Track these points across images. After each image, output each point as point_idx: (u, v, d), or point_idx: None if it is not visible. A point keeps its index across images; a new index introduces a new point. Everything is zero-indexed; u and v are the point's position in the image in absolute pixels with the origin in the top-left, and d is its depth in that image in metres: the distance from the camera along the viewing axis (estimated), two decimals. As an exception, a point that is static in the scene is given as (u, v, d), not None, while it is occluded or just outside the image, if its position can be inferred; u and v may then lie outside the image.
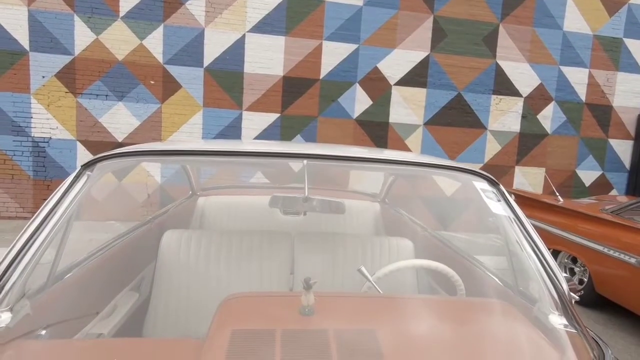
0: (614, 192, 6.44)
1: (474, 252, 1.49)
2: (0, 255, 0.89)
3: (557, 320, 0.94)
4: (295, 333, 0.80)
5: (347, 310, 0.91)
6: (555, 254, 3.72)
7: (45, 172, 5.18)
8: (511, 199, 1.19)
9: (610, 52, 6.14)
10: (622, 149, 6.42)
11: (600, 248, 3.08)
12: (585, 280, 3.35)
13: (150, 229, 1.84)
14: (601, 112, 6.27)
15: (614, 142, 6.39)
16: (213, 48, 5.30)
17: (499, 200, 1.17)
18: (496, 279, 1.31)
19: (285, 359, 0.69)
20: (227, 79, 5.37)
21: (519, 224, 1.15)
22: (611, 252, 2.97)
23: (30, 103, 5.05)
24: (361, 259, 1.58)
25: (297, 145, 1.34)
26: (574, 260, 3.56)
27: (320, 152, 1.13)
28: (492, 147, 6.07)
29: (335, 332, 0.80)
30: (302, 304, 0.86)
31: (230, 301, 0.90)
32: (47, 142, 5.14)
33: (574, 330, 0.91)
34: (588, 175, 6.38)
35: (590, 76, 6.14)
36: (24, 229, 0.97)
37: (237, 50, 5.34)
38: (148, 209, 5.30)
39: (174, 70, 5.27)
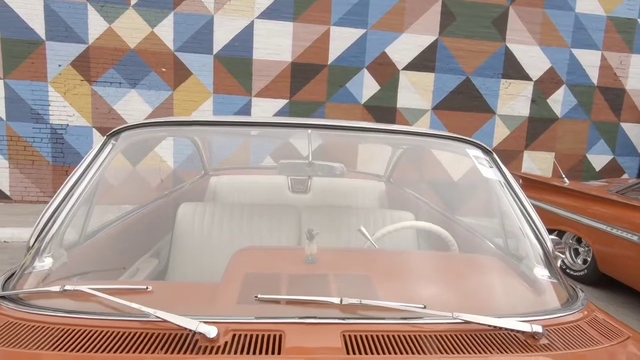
0: (625, 177, 6.38)
1: (472, 217, 1.57)
2: (23, 238, 1.00)
3: (540, 272, 1.02)
4: (299, 277, 0.90)
5: (346, 261, 1.01)
6: (560, 234, 3.76)
7: (63, 158, 5.38)
8: (503, 166, 1.27)
9: (624, 34, 6.01)
10: (635, 132, 6.33)
11: (604, 227, 3.12)
12: (589, 259, 3.40)
13: (166, 203, 1.96)
14: (613, 95, 6.17)
15: (627, 126, 6.30)
16: (222, 35, 5.37)
17: (491, 167, 1.25)
18: (489, 242, 1.39)
19: (291, 293, 0.80)
20: (236, 65, 5.45)
21: (510, 189, 1.22)
22: (614, 231, 3.01)
23: (48, 91, 5.22)
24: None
25: (303, 119, 1.44)
26: (579, 240, 3.60)
27: (322, 123, 1.22)
28: (500, 132, 6.05)
29: (334, 276, 0.90)
30: (306, 253, 0.96)
31: (242, 252, 1.01)
32: (65, 129, 5.33)
33: (555, 280, 0.99)
34: (599, 159, 6.32)
35: (603, 58, 6.04)
36: (59, 190, 1.09)
37: (245, 36, 5.41)
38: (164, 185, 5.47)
39: (185, 58, 5.37)
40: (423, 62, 5.72)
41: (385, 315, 0.73)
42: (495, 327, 0.70)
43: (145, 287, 0.77)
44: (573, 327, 0.77)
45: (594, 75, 6.07)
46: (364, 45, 5.59)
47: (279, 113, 5.59)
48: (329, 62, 5.58)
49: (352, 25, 5.52)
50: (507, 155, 6.10)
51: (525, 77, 5.95)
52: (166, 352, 0.61)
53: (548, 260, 1.04)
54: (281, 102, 5.59)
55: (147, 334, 0.65)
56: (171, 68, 5.38)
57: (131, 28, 5.22)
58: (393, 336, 0.68)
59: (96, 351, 0.61)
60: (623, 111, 6.25)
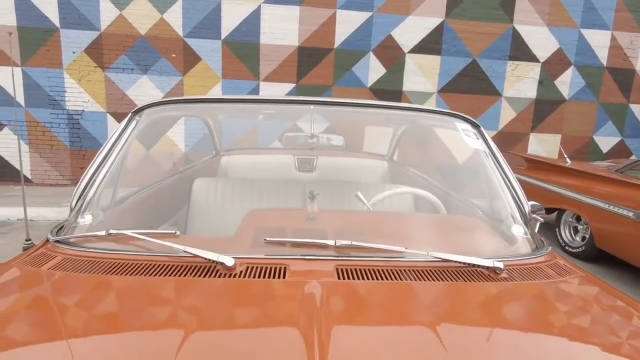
0: (632, 159, 6.37)
1: (462, 185, 1.69)
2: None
3: (516, 230, 1.16)
4: (301, 227, 1.05)
5: (343, 220, 1.16)
6: (560, 213, 3.86)
7: (80, 142, 5.60)
8: (489, 138, 1.39)
9: (635, 13, 5.91)
10: (644, 114, 6.29)
11: (601, 205, 3.21)
12: (587, 236, 3.50)
13: (182, 178, 2.12)
14: (623, 76, 6.12)
15: (636, 107, 6.25)
16: (230, 20, 5.45)
17: (477, 139, 1.37)
18: (477, 209, 1.52)
19: (296, 236, 0.94)
20: (244, 50, 5.55)
21: (494, 159, 1.34)
22: (611, 208, 3.10)
23: (64, 78, 5.40)
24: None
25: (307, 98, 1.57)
26: (578, 218, 3.70)
27: (323, 100, 1.35)
28: (506, 114, 6.07)
29: (332, 229, 1.05)
30: (308, 211, 1.11)
31: (253, 212, 1.16)
32: (81, 114, 5.53)
33: (528, 236, 1.13)
34: (606, 141, 6.31)
35: (613, 39, 5.96)
36: (93, 161, 1.25)
37: (252, 21, 5.48)
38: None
39: (194, 43, 5.48)
40: (429, 44, 5.74)
41: (372, 254, 0.87)
42: (463, 263, 0.84)
43: (174, 231, 0.93)
44: (533, 267, 0.91)
45: (603, 56, 6.01)
46: (369, 29, 5.62)
47: (286, 97, 5.70)
48: (335, 46, 5.64)
49: (358, 8, 5.55)
50: (513, 138, 6.14)
51: (533, 58, 5.93)
52: (194, 276, 0.77)
53: (524, 220, 1.17)
54: (288, 86, 5.69)
55: (177, 265, 0.81)
56: (181, 54, 5.50)
57: (141, 14, 5.34)
58: (378, 270, 0.82)
59: (139, 275, 0.77)
60: (633, 92, 6.20)
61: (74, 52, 5.35)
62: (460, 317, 0.72)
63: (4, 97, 5.31)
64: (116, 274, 0.78)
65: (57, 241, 0.93)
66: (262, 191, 1.85)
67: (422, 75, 5.86)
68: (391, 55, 5.74)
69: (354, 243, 0.86)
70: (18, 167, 5.55)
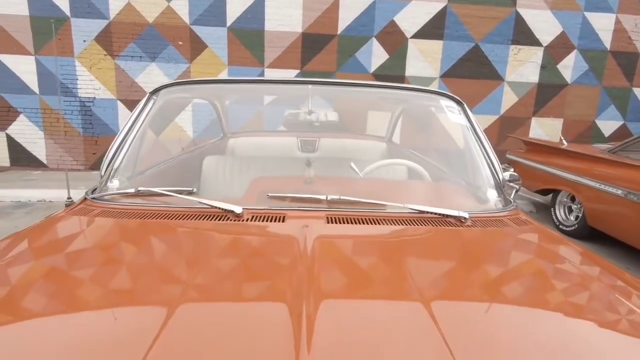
0: (634, 143, 6.41)
1: (447, 156, 1.83)
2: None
3: (489, 194, 1.31)
4: (299, 189, 1.22)
5: (335, 183, 1.32)
6: (556, 193, 3.98)
7: (92, 129, 5.81)
8: (471, 114, 1.53)
9: (640, -5, 5.88)
10: (647, 98, 6.30)
11: (594, 184, 3.33)
12: (580, 215, 3.63)
13: (192, 156, 2.30)
14: (627, 59, 6.12)
15: (639, 91, 6.27)
16: (235, 7, 5.55)
17: (459, 114, 1.51)
18: (460, 179, 1.67)
19: (298, 191, 1.11)
20: (249, 37, 5.66)
21: (474, 133, 1.49)
22: (603, 187, 3.22)
23: (75, 66, 5.58)
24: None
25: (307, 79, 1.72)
26: (573, 199, 3.82)
27: (321, 80, 1.50)
28: (508, 99, 6.14)
29: (325, 186, 1.21)
30: (305, 177, 1.28)
31: (259, 178, 1.33)
32: (92, 101, 5.72)
33: (499, 198, 1.28)
34: (608, 125, 6.35)
35: (617, 22, 5.95)
36: (118, 134, 1.42)
37: (257, 8, 5.58)
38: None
39: (200, 31, 5.60)
40: (431, 29, 5.79)
41: (358, 207, 1.03)
42: (433, 213, 1.00)
43: (192, 189, 1.10)
44: (495, 219, 1.06)
45: (606, 40, 6.01)
46: (372, 14, 5.69)
47: (290, 83, 5.82)
48: (339, 32, 5.72)
49: (361, -6, 5.60)
50: (515, 122, 6.21)
51: (536, 42, 5.95)
52: (208, 220, 0.94)
53: (496, 185, 1.32)
54: (292, 73, 5.80)
55: (195, 214, 0.98)
56: (187, 41, 5.63)
57: (149, 3, 5.46)
58: (362, 219, 0.98)
59: (164, 219, 0.95)
60: (636, 76, 6.20)
61: (84, 41, 5.52)
62: (426, 255, 0.88)
63: (19, 86, 5.52)
64: (146, 219, 0.95)
65: (94, 198, 1.11)
66: (267, 167, 2.02)
67: (424, 60, 5.93)
68: (394, 40, 5.81)
69: (342, 197, 1.03)
70: (34, 153, 5.80)
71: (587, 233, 3.57)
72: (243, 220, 0.94)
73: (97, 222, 0.96)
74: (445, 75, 5.97)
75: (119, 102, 5.75)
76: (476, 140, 1.46)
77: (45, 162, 5.84)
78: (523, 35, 5.91)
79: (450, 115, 1.51)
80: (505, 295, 0.74)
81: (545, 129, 6.27)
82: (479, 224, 1.01)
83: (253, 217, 0.97)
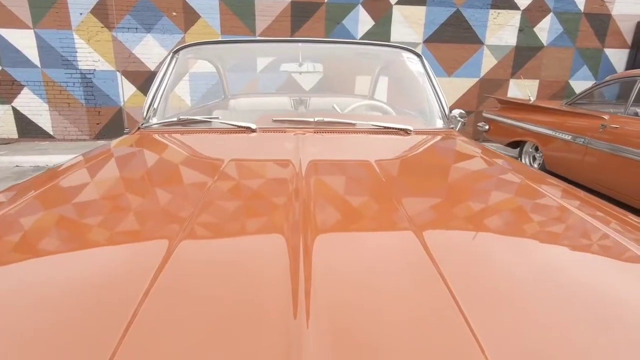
0: (605, 101, 6.87)
1: (409, 99, 2.26)
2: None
3: (436, 120, 1.76)
4: (296, 116, 1.65)
5: (323, 114, 1.75)
6: (522, 144, 4.47)
7: (94, 100, 6.10)
8: (427, 64, 1.94)
9: (613, -42, 6.15)
10: (617, 58, 6.70)
11: (550, 132, 3.80)
12: (541, 162, 4.13)
13: (200, 111, 2.70)
14: (599, 21, 6.47)
15: (610, 52, 6.66)
16: (225, -23, 5.74)
17: (418, 64, 1.93)
18: (417, 114, 2.11)
19: (295, 117, 1.54)
20: (240, 7, 5.89)
21: (429, 80, 1.91)
22: (557, 134, 3.70)
23: (74, 38, 5.79)
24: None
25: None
26: (537, 149, 4.31)
27: (307, 39, 1.90)
28: (488, 62, 6.50)
29: (315, 114, 1.65)
30: (299, 111, 1.70)
31: (265, 113, 1.76)
32: (93, 73, 5.98)
33: (445, 126, 1.73)
34: (581, 85, 6.77)
35: (591, -16, 6.25)
36: (153, 83, 1.82)
37: (247, -23, 5.77)
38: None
39: (193, 1, 5.81)
40: (415, -5, 6.05)
41: (337, 126, 1.48)
42: (388, 127, 1.45)
43: (217, 117, 1.53)
44: (431, 132, 1.51)
45: (580, 2, 6.33)
46: (358, -19, 5.91)
47: (281, 51, 6.11)
48: (326, 0, 5.96)
49: (346, -39, 5.80)
50: (494, 84, 6.60)
51: (514, 6, 6.26)
52: (231, 134, 1.39)
53: (442, 116, 1.77)
54: (283, 41, 6.07)
55: (220, 130, 1.42)
56: (181, 12, 5.85)
57: (141, -26, 5.62)
58: (339, 131, 1.43)
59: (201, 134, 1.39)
60: (608, 37, 6.57)
61: (81, 14, 5.71)
62: (380, 152, 1.33)
63: (21, 59, 5.75)
64: (188, 135, 1.39)
65: (146, 127, 1.54)
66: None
67: (409, 26, 6.23)
68: (379, 7, 6.07)
69: (325, 119, 1.47)
70: (40, 124, 6.11)
71: (547, 177, 4.08)
72: (255, 132, 1.39)
73: (154, 140, 1.39)
74: (428, 41, 6.29)
75: (118, 74, 6.02)
76: (430, 84, 1.89)
77: (51, 133, 6.15)
78: (502, -1, 6.20)
79: (411, 65, 1.93)
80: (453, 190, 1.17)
81: (522, 90, 6.68)
82: (418, 134, 1.46)
83: (264, 131, 1.41)
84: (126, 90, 6.02)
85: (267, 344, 0.41)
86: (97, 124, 6.20)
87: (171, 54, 1.92)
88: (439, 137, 1.46)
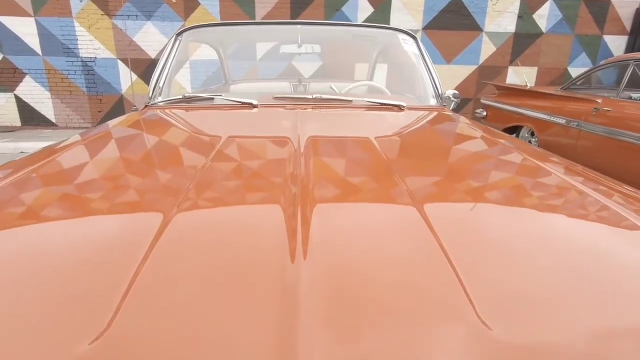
0: (603, 88, 6.90)
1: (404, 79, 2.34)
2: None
3: (429, 99, 1.84)
4: (296, 94, 1.73)
5: (320, 92, 1.83)
6: (519, 130, 4.54)
7: (96, 87, 6.15)
8: (422, 46, 2.01)
9: (614, -57, 6.13)
10: (616, 44, 6.72)
11: (545, 117, 3.87)
12: (536, 146, 4.21)
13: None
14: (598, 7, 6.47)
15: (609, 38, 6.67)
16: (224, -37, 5.74)
17: (413, 45, 2.00)
18: (410, 92, 2.18)
19: (294, 94, 1.62)
20: (239, -7, 5.89)
21: (424, 60, 1.98)
22: (552, 118, 3.77)
23: (74, 26, 5.82)
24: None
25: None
26: (532, 133, 4.38)
27: (305, 21, 1.97)
28: (487, 49, 6.52)
29: (315, 91, 1.72)
30: (299, 90, 1.78)
31: (265, 95, 1.83)
32: (94, 61, 6.02)
33: (437, 104, 1.81)
34: (579, 72, 6.78)
35: (591, -30, 6.24)
36: (158, 63, 1.89)
37: (246, -36, 5.77)
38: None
39: (192, -12, 5.82)
40: (414, -18, 6.05)
41: (334, 103, 1.56)
42: (382, 103, 1.53)
43: (221, 94, 1.61)
44: (423, 109, 1.59)
45: (580, -12, 6.33)
46: (357, -32, 5.91)
47: (281, 39, 6.14)
48: (326, -14, 5.96)
49: (346, -53, 5.79)
50: (493, 71, 6.64)
51: (513, -8, 6.26)
52: (233, 110, 1.47)
53: (435, 96, 1.84)
54: (283, 28, 6.09)
55: (224, 105, 1.50)
56: (181, -1, 5.86)
57: (140, -39, 5.63)
58: (337, 107, 1.51)
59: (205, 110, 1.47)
60: (606, 23, 6.58)
61: (81, 1, 5.72)
62: (377, 128, 1.41)
63: (22, 47, 5.78)
64: (193, 111, 1.48)
65: (152, 105, 1.62)
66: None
67: (408, 13, 6.24)
68: (378, -7, 6.07)
69: (323, 96, 1.55)
70: (43, 112, 6.17)
71: (542, 161, 4.17)
72: (257, 108, 1.47)
73: (161, 115, 1.47)
74: (427, 27, 6.31)
75: (119, 62, 6.06)
76: (424, 65, 1.96)
77: (54, 120, 6.22)
78: (501, -15, 6.19)
79: (406, 46, 2.00)
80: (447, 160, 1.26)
81: (521, 76, 6.71)
82: (410, 109, 1.54)
83: (265, 107, 1.49)
84: (127, 77, 6.07)
85: (263, 297, 0.43)
86: (99, 111, 6.26)
87: (174, 36, 1.99)
88: (434, 114, 1.54)
